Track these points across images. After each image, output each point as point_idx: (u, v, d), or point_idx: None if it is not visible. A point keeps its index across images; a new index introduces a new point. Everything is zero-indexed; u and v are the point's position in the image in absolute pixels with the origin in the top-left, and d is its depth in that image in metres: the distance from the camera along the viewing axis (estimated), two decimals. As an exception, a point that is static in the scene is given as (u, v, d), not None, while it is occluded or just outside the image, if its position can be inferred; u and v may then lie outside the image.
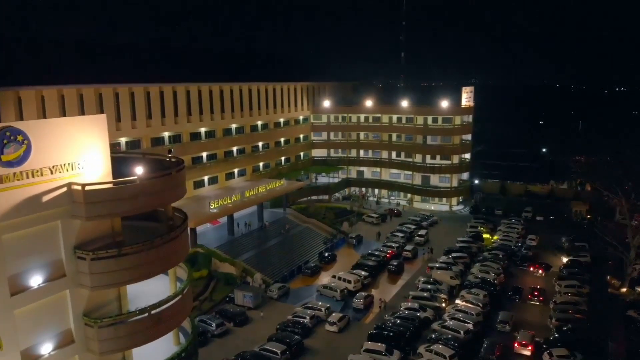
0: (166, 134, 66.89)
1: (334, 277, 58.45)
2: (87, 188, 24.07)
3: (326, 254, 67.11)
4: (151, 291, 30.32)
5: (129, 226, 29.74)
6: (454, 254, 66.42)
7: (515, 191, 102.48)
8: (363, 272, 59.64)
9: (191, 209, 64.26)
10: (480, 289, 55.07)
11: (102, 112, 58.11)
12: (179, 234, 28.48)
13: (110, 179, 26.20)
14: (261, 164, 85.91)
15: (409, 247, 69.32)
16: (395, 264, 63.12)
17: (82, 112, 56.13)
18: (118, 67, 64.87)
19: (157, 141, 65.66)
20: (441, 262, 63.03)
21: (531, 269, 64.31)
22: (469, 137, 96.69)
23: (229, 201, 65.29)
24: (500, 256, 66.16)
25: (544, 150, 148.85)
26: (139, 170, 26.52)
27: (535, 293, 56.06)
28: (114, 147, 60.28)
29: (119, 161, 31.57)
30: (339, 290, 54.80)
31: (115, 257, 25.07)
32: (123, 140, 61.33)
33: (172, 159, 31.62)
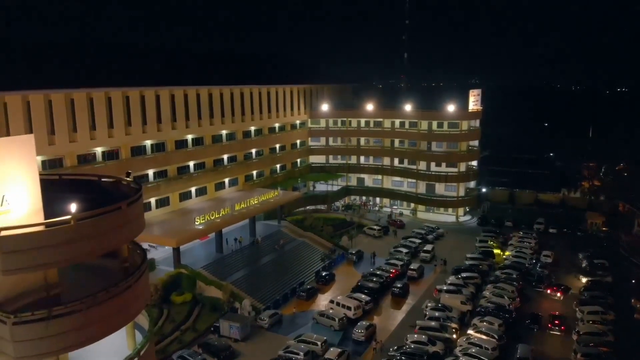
0: (148, 142, 61.13)
1: (331, 302, 52.65)
2: (1, 233, 18.34)
3: (324, 274, 61.36)
4: (103, 347, 24.64)
5: (76, 266, 24.15)
6: (464, 274, 60.71)
7: (525, 200, 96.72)
8: (364, 296, 53.88)
9: (175, 224, 58.77)
10: (494, 317, 49.43)
11: (73, 119, 52.73)
12: (134, 282, 22.75)
13: (40, 217, 20.42)
14: (254, 172, 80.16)
15: (414, 265, 63.53)
16: (399, 285, 57.36)
17: (51, 121, 50.44)
18: (93, 69, 58.96)
19: (138, 150, 59.94)
20: (450, 284, 57.29)
21: (549, 291, 58.54)
22: (475, 143, 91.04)
23: (216, 216, 59.48)
24: (514, 276, 60.43)
25: (551, 154, 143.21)
26: (74, 206, 20.57)
27: (556, 322, 50.33)
28: (88, 157, 54.65)
29: (63, 187, 25.96)
30: (337, 319, 49.01)
31: (45, 320, 19.39)
32: (99, 150, 55.52)
33: (131, 185, 25.96)
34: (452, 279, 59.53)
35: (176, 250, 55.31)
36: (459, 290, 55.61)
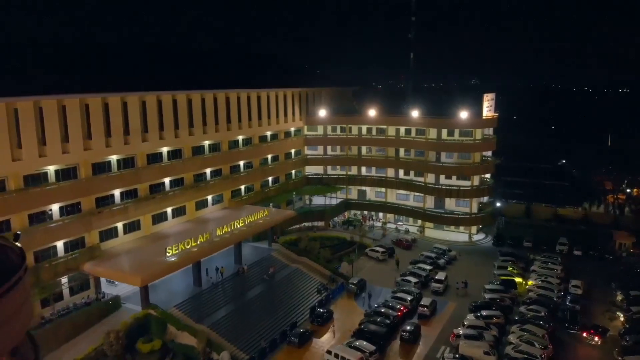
0: (114, 158, 52.12)
1: (328, 353, 43.73)
2: None
3: (320, 310, 52.45)
4: None
5: None
6: (484, 312, 51.86)
7: (543, 215, 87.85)
8: (366, 343, 44.91)
9: (144, 255, 49.81)
10: (526, 375, 40.62)
11: (17, 133, 43.78)
12: None
13: None
14: (242, 187, 71.19)
15: (425, 300, 54.56)
16: (409, 328, 48.33)
17: (-13, 134, 41.54)
18: (42, 72, 49.87)
19: (101, 167, 50.93)
20: (468, 326, 48.46)
21: (584, 334, 49.61)
22: (489, 153, 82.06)
23: (193, 244, 50.62)
24: (542, 314, 51.62)
25: (563, 161, 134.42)
26: None
27: (600, 378, 41.52)
28: (37, 177, 45.62)
29: None
30: (335, 379, 40.13)
31: None
32: (51, 168, 46.51)
33: (16, 254, 17.10)
34: (470, 318, 50.79)
35: (144, 288, 46.43)
36: (480, 336, 46.74)
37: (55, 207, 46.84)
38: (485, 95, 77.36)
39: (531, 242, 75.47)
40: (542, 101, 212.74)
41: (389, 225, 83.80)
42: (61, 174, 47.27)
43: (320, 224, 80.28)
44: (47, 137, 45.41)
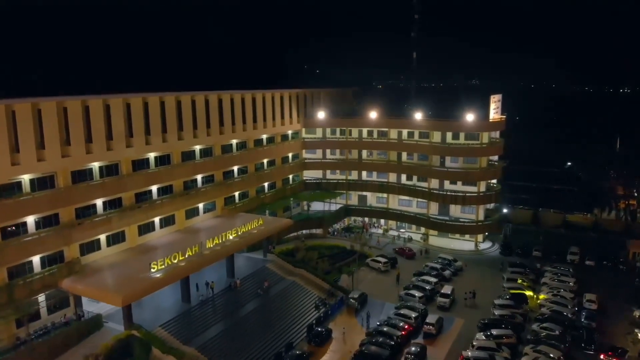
0: (96, 165, 48.38)
1: (327, 380, 40.14)
2: None
3: (318, 329, 48.76)
4: None
5: None
6: (494, 330, 48.19)
7: (551, 222, 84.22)
8: (369, 368, 41.36)
9: (127, 269, 46.02)
10: (543, 404, 36.97)
11: (-14, 138, 39.77)
12: None
13: None
14: (236, 193, 67.48)
15: (431, 317, 50.78)
16: (414, 351, 44.61)
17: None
18: (15, 73, 46.21)
19: (81, 175, 47.18)
20: (478, 349, 44.80)
21: (602, 356, 45.96)
22: (495, 157, 78.40)
23: (180, 259, 46.91)
24: (557, 333, 47.99)
25: (568, 163, 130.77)
26: None
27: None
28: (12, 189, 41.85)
29: None
30: (333, 411, 36.50)
31: None
32: (26, 177, 42.76)
33: None
34: (480, 338, 47.19)
35: (127, 307, 42.76)
36: (491, 358, 43.11)
37: (30, 219, 43.13)
38: (492, 96, 73.74)
39: (540, 251, 71.87)
40: (543, 102, 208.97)
41: (391, 232, 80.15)
42: (37, 184, 43.55)
43: (319, 231, 76.65)
44: (20, 144, 41.66)
